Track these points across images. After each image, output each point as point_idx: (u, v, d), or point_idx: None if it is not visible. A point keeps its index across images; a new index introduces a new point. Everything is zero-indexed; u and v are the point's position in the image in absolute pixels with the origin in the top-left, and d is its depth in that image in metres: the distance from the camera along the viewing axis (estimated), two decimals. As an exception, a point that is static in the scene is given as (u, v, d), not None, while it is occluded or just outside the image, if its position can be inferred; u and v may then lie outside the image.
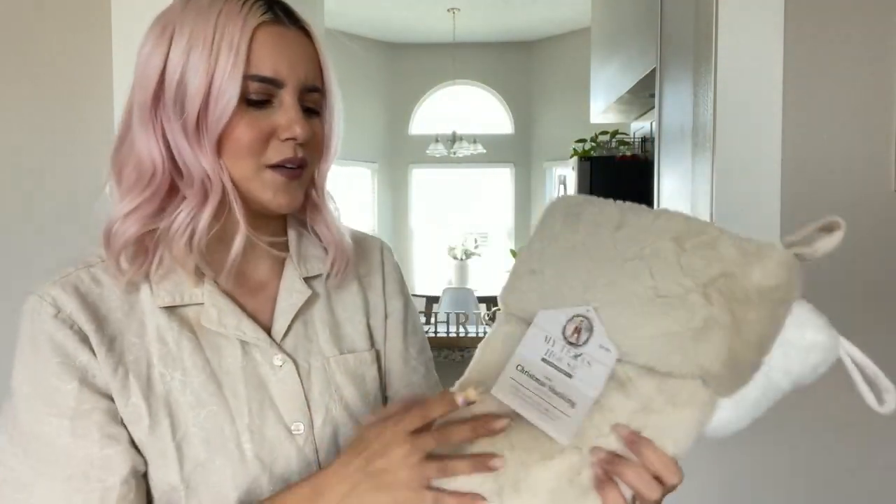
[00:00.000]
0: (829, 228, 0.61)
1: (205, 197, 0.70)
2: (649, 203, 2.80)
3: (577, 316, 0.60)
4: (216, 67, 0.66)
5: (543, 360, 0.61)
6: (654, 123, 2.75)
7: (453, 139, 6.29)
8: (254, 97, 0.68)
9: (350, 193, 6.57)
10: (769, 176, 1.41)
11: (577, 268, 0.62)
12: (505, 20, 5.84)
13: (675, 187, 2.33)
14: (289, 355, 0.75)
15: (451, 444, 0.61)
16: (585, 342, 0.60)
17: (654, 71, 2.61)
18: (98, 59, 1.38)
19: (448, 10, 5.56)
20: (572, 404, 0.59)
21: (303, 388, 0.75)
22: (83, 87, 1.39)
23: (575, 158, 3.75)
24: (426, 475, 0.61)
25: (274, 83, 0.69)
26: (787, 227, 1.42)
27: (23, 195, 1.40)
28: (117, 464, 0.68)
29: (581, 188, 3.33)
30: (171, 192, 0.71)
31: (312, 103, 0.73)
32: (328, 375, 0.77)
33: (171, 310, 0.72)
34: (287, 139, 0.70)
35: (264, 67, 0.68)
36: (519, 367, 0.62)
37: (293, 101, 0.70)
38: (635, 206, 0.64)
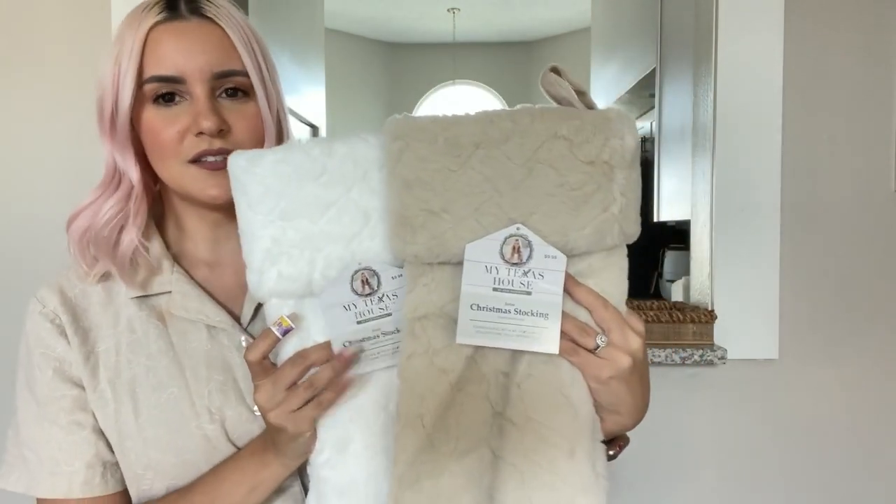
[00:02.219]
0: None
1: (117, 187, 0.75)
2: (650, 204, 2.81)
3: (510, 237, 0.61)
4: (119, 74, 0.70)
5: (495, 289, 0.62)
6: (654, 123, 2.75)
7: (453, 139, 6.26)
8: (159, 95, 0.71)
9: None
10: (769, 176, 1.41)
11: (483, 191, 0.61)
12: (505, 20, 5.83)
13: (675, 187, 2.33)
14: (253, 337, 0.76)
15: (308, 364, 0.63)
16: (528, 258, 0.61)
17: (654, 71, 2.60)
18: (98, 60, 1.38)
19: (448, 10, 5.56)
20: (545, 316, 0.61)
21: None
22: (83, 87, 1.39)
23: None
24: (300, 416, 0.63)
25: (172, 80, 0.70)
26: (788, 227, 1.42)
27: (22, 195, 1.40)
28: (82, 449, 0.72)
29: (581, 188, 3.32)
30: (114, 194, 0.76)
31: (234, 85, 0.73)
32: None
33: (142, 300, 0.76)
34: (198, 133, 0.71)
35: (159, 67, 0.70)
36: (473, 307, 0.61)
37: (202, 92, 0.70)
38: (480, 115, 0.63)
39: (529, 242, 0.61)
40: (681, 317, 1.42)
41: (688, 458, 1.45)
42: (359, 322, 0.64)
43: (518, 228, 0.61)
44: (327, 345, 0.64)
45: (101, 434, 0.73)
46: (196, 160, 0.71)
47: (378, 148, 0.64)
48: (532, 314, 0.62)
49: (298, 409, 0.63)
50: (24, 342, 0.75)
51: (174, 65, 0.70)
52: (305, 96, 2.78)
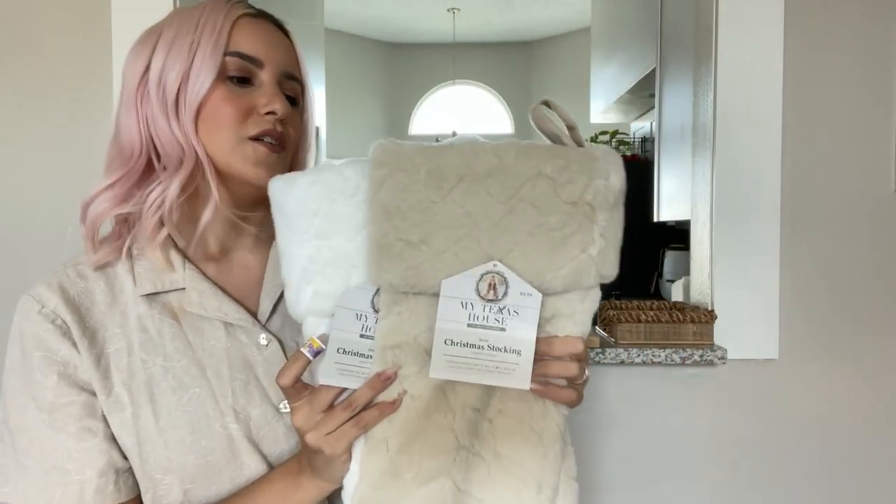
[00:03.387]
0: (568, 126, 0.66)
1: (178, 166, 0.73)
2: (650, 204, 2.81)
3: (487, 273, 0.61)
4: (198, 48, 0.71)
5: (470, 325, 0.62)
6: (654, 123, 2.75)
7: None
8: (234, 73, 0.73)
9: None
10: (769, 176, 1.41)
11: (462, 225, 0.61)
12: (505, 20, 5.83)
13: (675, 187, 2.33)
14: (274, 335, 0.76)
15: (357, 405, 0.62)
16: (504, 295, 0.62)
17: (654, 71, 2.60)
18: (98, 59, 1.38)
19: (448, 10, 5.56)
20: (518, 353, 0.62)
21: None
22: (83, 87, 1.39)
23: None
24: (337, 438, 0.63)
25: (254, 61, 0.74)
26: (788, 227, 1.42)
27: (22, 195, 1.40)
28: (94, 457, 0.69)
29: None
30: (147, 174, 0.74)
31: (291, 91, 0.78)
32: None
33: (152, 297, 0.74)
34: (267, 113, 0.73)
35: (245, 46, 0.73)
36: (447, 342, 0.61)
37: (272, 81, 0.75)
38: (466, 148, 0.62)
39: (506, 279, 0.61)
40: (681, 317, 1.42)
41: (688, 458, 1.45)
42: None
43: (495, 265, 0.61)
44: (375, 381, 0.63)
45: (113, 440, 0.71)
46: (257, 138, 0.73)
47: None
48: (505, 350, 0.62)
49: (336, 429, 0.62)
50: (19, 344, 0.71)
51: (259, 49, 0.74)
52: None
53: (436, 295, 0.62)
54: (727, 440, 1.45)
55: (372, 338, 0.63)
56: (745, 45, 1.40)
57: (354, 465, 0.65)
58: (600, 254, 0.63)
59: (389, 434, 0.62)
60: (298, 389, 0.63)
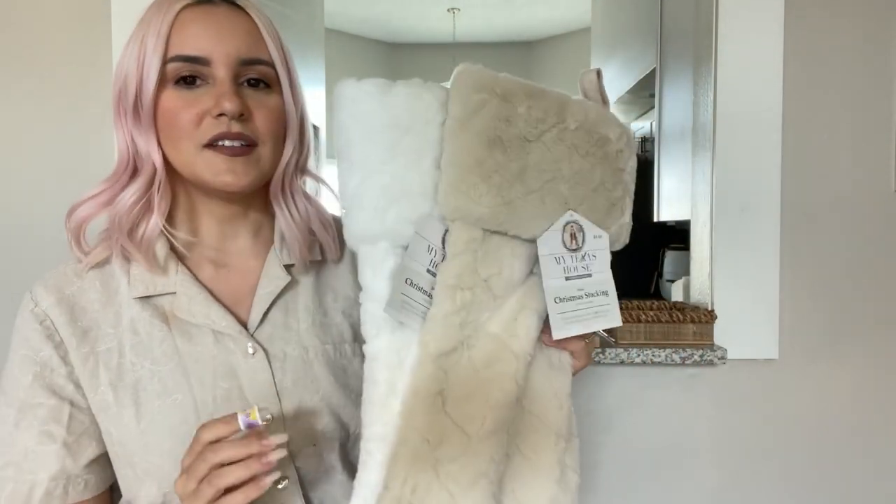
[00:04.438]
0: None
1: (130, 178, 0.72)
2: (650, 204, 2.80)
3: (568, 223, 0.63)
4: (144, 55, 0.69)
5: (567, 278, 0.63)
6: (654, 123, 2.75)
7: (453, 139, 6.25)
8: (181, 77, 0.69)
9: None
10: (769, 176, 1.41)
11: (550, 170, 0.61)
12: (505, 20, 5.83)
13: (675, 187, 2.33)
14: (260, 344, 0.74)
15: (219, 462, 0.60)
16: (583, 242, 0.64)
17: (654, 71, 2.60)
18: (98, 59, 1.38)
19: (448, 10, 5.56)
20: (606, 293, 0.65)
21: (273, 377, 0.74)
22: (83, 86, 1.39)
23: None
24: (202, 495, 0.60)
25: (198, 61, 0.69)
26: (788, 227, 1.42)
27: (21, 194, 1.40)
28: (49, 461, 0.70)
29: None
30: (131, 181, 0.73)
31: (258, 75, 0.72)
32: (306, 365, 0.76)
33: (145, 300, 0.73)
34: (218, 115, 0.69)
35: (185, 47, 0.69)
36: (556, 300, 0.62)
37: (226, 75, 0.69)
38: (560, 95, 0.62)
39: (581, 227, 0.63)
40: (681, 317, 1.42)
41: (688, 458, 1.45)
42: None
43: (572, 215, 0.63)
44: (251, 441, 0.60)
45: (72, 449, 0.71)
46: (212, 144, 0.69)
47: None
48: (597, 294, 0.64)
49: (212, 501, 0.60)
50: (12, 339, 0.73)
51: (200, 46, 0.69)
52: (305, 96, 2.77)
53: (513, 237, 0.61)
54: (727, 440, 1.45)
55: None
56: (745, 45, 1.40)
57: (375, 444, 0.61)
58: (629, 221, 0.67)
59: (445, 387, 0.58)
60: (202, 451, 0.61)
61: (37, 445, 0.70)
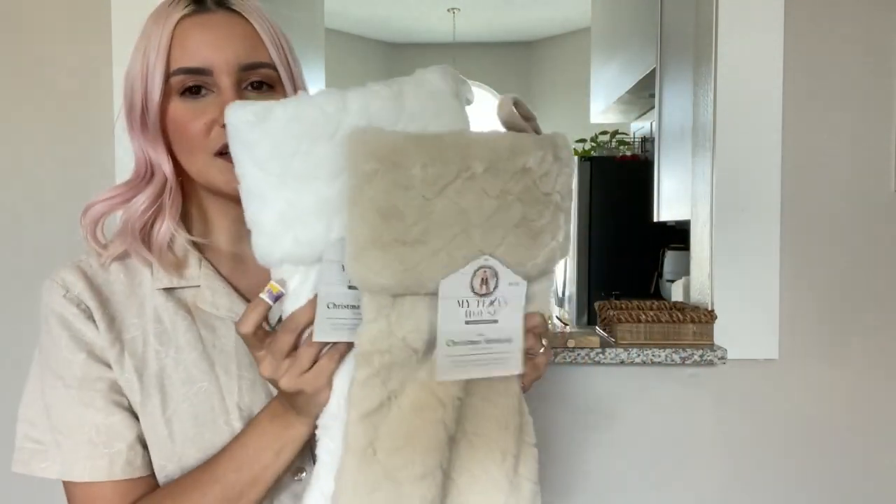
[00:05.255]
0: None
1: (146, 185, 0.74)
2: (650, 204, 2.80)
3: (480, 268, 0.61)
4: (146, 68, 0.70)
5: (467, 322, 0.62)
6: (654, 123, 2.75)
7: (453, 139, 6.25)
8: (186, 88, 0.71)
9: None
10: (769, 176, 1.41)
11: (456, 223, 0.59)
12: (505, 20, 5.83)
13: (675, 187, 2.33)
14: None
15: (300, 326, 0.62)
16: (495, 287, 0.62)
17: (654, 71, 2.60)
18: (98, 60, 1.38)
19: (448, 10, 5.56)
20: (509, 341, 0.64)
21: None
22: (83, 88, 1.39)
23: (575, 158, 3.72)
24: (315, 375, 0.62)
25: (200, 72, 0.70)
26: (788, 227, 1.42)
27: (21, 194, 1.40)
28: (122, 430, 0.71)
29: (581, 188, 3.32)
30: (146, 187, 0.76)
31: (260, 77, 0.73)
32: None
33: (169, 292, 0.75)
34: (224, 125, 0.69)
35: (187, 59, 0.70)
36: (449, 343, 0.61)
37: (229, 83, 0.70)
38: (458, 137, 0.60)
39: (496, 272, 0.61)
40: (681, 317, 1.42)
41: (688, 457, 1.45)
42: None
43: (486, 260, 0.61)
44: (307, 305, 0.62)
45: (137, 417, 0.72)
46: (222, 153, 0.70)
47: (391, 101, 0.61)
48: (499, 341, 0.63)
49: (311, 366, 0.62)
50: (47, 327, 0.73)
51: (201, 57, 0.70)
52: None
53: (425, 294, 0.60)
54: (727, 440, 1.45)
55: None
56: (745, 45, 1.40)
57: (321, 481, 0.64)
58: (564, 240, 0.66)
59: (375, 439, 0.61)
60: (260, 337, 0.63)
61: (105, 418, 0.71)
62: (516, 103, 0.65)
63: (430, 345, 0.62)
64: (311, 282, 0.62)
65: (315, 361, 0.62)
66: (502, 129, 0.65)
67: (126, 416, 0.72)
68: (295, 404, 0.65)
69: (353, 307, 0.62)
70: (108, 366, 0.72)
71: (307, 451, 0.73)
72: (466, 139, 0.60)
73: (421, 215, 0.58)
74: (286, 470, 0.71)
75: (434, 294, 0.60)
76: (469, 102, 0.69)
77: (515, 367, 0.64)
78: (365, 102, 0.60)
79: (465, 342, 0.62)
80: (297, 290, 0.63)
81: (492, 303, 0.62)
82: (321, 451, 0.65)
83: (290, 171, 0.59)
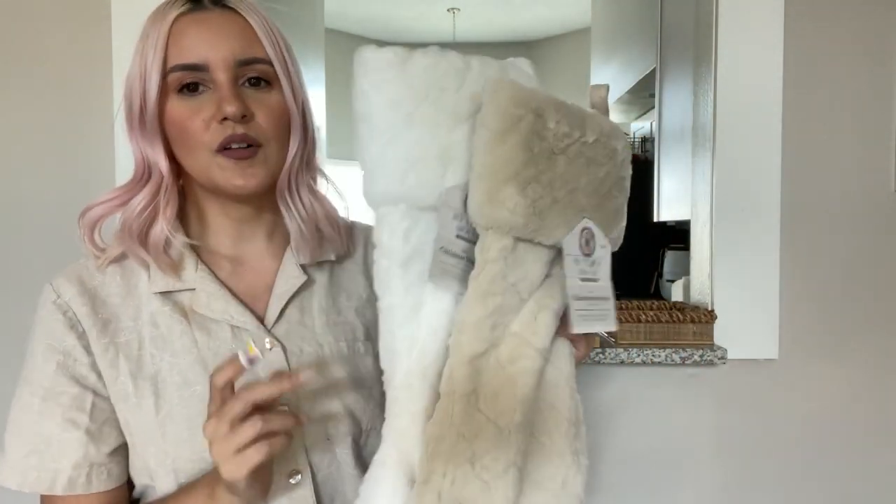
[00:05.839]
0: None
1: (144, 185, 0.75)
2: (650, 204, 2.80)
3: (584, 229, 0.66)
4: (144, 67, 0.71)
5: (582, 279, 0.66)
6: (654, 123, 2.75)
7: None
8: (184, 85, 0.71)
9: (352, 193, 6.55)
10: (769, 176, 1.41)
11: (572, 181, 0.64)
12: (505, 20, 5.83)
13: (675, 187, 2.33)
14: (278, 340, 0.76)
15: (256, 399, 0.61)
16: (594, 249, 0.67)
17: (654, 71, 2.60)
18: (98, 59, 1.38)
19: (448, 10, 5.55)
20: (607, 299, 0.68)
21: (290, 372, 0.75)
22: (83, 87, 1.39)
23: None
24: (240, 459, 0.60)
25: (197, 68, 0.71)
26: (788, 227, 1.42)
27: (21, 194, 1.40)
28: (72, 449, 0.71)
29: (581, 188, 3.32)
30: (143, 188, 0.76)
31: (257, 73, 0.73)
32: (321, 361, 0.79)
33: (165, 295, 0.75)
34: (222, 119, 0.70)
35: (183, 56, 0.71)
36: (574, 297, 0.65)
37: (225, 79, 0.70)
38: (581, 109, 0.65)
39: (594, 234, 0.67)
40: (681, 317, 1.42)
41: (688, 457, 1.45)
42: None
43: (587, 221, 0.66)
44: (282, 377, 0.62)
45: (94, 436, 0.72)
46: (222, 150, 0.70)
47: (499, 72, 0.66)
48: (602, 298, 0.68)
49: (241, 449, 0.60)
50: (33, 330, 0.74)
51: (197, 53, 0.70)
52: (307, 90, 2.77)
53: (537, 244, 0.63)
54: (727, 440, 1.45)
55: (466, 239, 0.64)
56: (745, 45, 1.40)
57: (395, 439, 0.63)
58: (624, 227, 0.71)
59: (479, 385, 0.61)
60: (224, 397, 0.62)
61: (61, 433, 0.71)
62: (608, 91, 0.72)
63: (530, 295, 0.65)
64: (416, 228, 0.63)
65: (250, 445, 0.60)
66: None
67: (79, 435, 0.71)
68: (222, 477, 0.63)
69: (460, 257, 0.64)
70: (77, 380, 0.72)
71: (301, 453, 0.73)
72: (582, 110, 0.66)
73: (549, 166, 0.62)
74: (280, 473, 0.71)
75: (543, 246, 0.64)
76: None
77: (613, 323, 0.69)
78: (483, 68, 0.64)
79: (584, 297, 0.66)
80: (407, 233, 0.63)
81: (593, 263, 0.67)
82: (398, 418, 0.63)
83: (418, 114, 0.62)
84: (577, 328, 0.65)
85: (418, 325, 0.64)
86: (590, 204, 0.66)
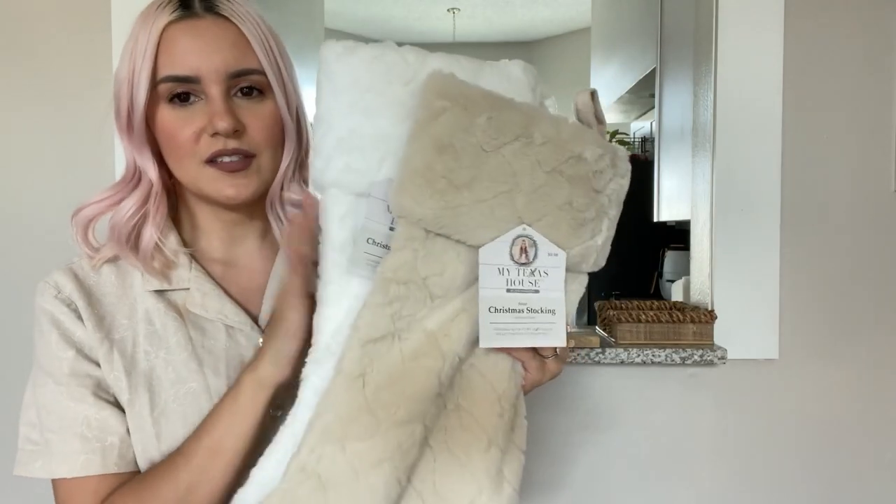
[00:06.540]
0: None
1: (134, 188, 0.75)
2: (650, 204, 2.80)
3: (518, 237, 0.63)
4: (133, 73, 0.70)
5: (508, 290, 0.63)
6: (654, 123, 2.75)
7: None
8: (174, 95, 0.70)
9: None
10: (769, 176, 1.41)
11: (505, 182, 0.61)
12: (505, 20, 5.83)
13: (675, 187, 2.33)
14: None
15: (302, 241, 0.65)
16: (534, 257, 0.63)
17: (654, 71, 2.61)
18: (98, 59, 1.38)
19: (448, 10, 5.55)
20: (552, 312, 0.64)
21: None
22: (83, 88, 1.39)
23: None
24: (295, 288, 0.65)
25: (187, 80, 0.70)
26: (788, 227, 1.42)
27: (21, 195, 1.40)
28: (114, 423, 0.71)
29: (581, 188, 3.32)
30: (133, 192, 0.76)
31: (252, 83, 0.72)
32: None
33: (159, 294, 0.75)
34: (214, 134, 0.70)
35: (174, 66, 0.69)
36: (491, 309, 0.63)
37: (217, 92, 0.70)
38: (528, 108, 0.63)
39: (535, 242, 0.63)
40: (681, 317, 1.42)
41: (688, 457, 1.45)
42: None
43: (524, 229, 0.63)
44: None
45: (124, 413, 0.72)
46: (212, 160, 0.70)
47: (469, 72, 0.64)
48: (541, 311, 0.64)
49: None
50: (38, 327, 0.73)
51: (189, 65, 0.69)
52: (305, 96, 2.77)
53: (457, 242, 0.62)
54: (727, 440, 1.45)
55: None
56: (745, 45, 1.40)
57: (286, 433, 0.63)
58: (603, 244, 0.66)
59: (368, 370, 0.61)
60: (306, 264, 0.65)
61: (98, 412, 0.71)
62: (593, 96, 0.67)
63: (447, 296, 0.63)
64: (354, 214, 0.64)
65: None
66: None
67: (115, 411, 0.71)
68: (274, 330, 0.66)
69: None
70: (97, 364, 0.72)
71: (290, 390, 0.71)
72: (535, 111, 0.63)
73: (474, 163, 0.60)
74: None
75: (466, 246, 0.62)
76: (544, 98, 0.71)
77: (559, 339, 0.64)
78: (445, 65, 0.63)
79: (506, 310, 0.63)
80: (342, 218, 0.64)
81: (532, 272, 0.64)
82: (306, 390, 0.64)
83: (360, 104, 0.63)
84: (488, 342, 0.62)
85: (339, 306, 0.64)
86: (532, 210, 0.62)
